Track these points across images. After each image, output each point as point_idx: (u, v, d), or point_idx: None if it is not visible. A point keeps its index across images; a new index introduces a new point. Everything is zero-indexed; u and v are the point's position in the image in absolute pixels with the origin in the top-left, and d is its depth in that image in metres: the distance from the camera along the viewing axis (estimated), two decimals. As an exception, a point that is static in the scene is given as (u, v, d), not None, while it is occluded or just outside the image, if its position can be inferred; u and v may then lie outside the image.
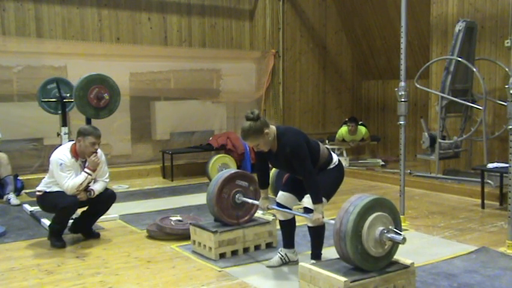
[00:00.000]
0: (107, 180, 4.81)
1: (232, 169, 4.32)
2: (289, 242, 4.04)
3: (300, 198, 3.89)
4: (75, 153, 4.56)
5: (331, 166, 3.84)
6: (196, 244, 4.34)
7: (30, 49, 7.53)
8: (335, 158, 3.90)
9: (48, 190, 4.58)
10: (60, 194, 4.50)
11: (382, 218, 3.11)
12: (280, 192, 3.96)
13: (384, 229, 3.09)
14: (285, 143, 3.63)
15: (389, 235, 3.08)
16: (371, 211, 3.09)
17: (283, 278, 3.80)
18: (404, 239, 3.09)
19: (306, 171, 3.61)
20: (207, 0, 9.08)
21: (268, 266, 4.00)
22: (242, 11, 9.48)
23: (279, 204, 3.93)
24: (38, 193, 4.67)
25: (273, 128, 3.69)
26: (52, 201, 4.51)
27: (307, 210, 3.73)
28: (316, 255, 3.80)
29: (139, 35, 8.50)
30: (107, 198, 4.76)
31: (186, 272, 3.91)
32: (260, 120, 3.59)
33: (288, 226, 4.01)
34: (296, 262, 3.98)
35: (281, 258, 4.02)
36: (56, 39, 7.79)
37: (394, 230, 3.11)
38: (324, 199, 3.69)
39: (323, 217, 3.62)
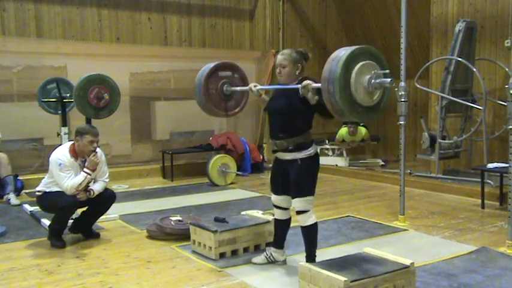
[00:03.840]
0: (107, 180, 4.81)
1: (211, 63, 4.23)
2: (279, 242, 4.04)
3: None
4: (74, 153, 4.56)
5: (310, 152, 3.73)
6: (196, 244, 4.34)
7: (30, 49, 7.54)
8: (315, 146, 3.80)
9: (47, 190, 4.58)
10: (60, 194, 4.50)
11: (368, 65, 3.10)
12: (274, 196, 3.95)
13: (371, 76, 3.07)
14: (310, 79, 3.59)
15: (377, 80, 3.06)
16: (356, 60, 3.07)
17: (283, 278, 3.79)
18: (392, 81, 3.10)
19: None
20: (207, 0, 9.08)
21: (252, 262, 4.03)
22: (242, 11, 9.48)
23: (276, 206, 3.93)
24: (37, 193, 4.67)
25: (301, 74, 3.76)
26: (52, 201, 4.51)
27: (299, 213, 3.74)
28: (310, 257, 3.76)
29: (139, 35, 8.50)
30: (106, 199, 4.76)
31: (186, 272, 3.91)
32: (303, 60, 3.75)
33: (281, 225, 4.00)
34: (283, 262, 4.01)
35: (266, 257, 4.04)
36: (56, 39, 7.80)
37: (381, 73, 3.08)
38: (311, 197, 3.72)
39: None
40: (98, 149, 4.64)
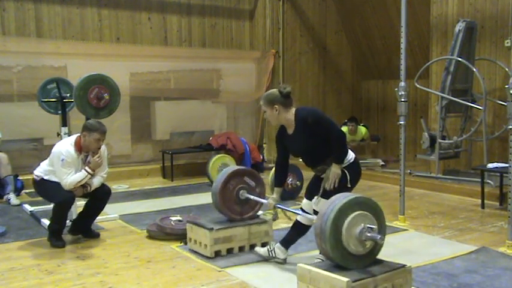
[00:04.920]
0: (105, 175, 4.80)
1: (245, 167, 4.44)
2: (288, 242, 4.06)
3: None
4: (78, 147, 4.54)
5: (350, 158, 3.79)
6: (193, 242, 4.35)
7: (30, 49, 7.54)
8: (351, 153, 3.85)
9: (46, 178, 4.56)
10: (57, 186, 4.49)
11: (363, 217, 3.10)
12: (305, 200, 3.99)
13: (363, 228, 3.08)
14: (304, 116, 3.72)
15: (369, 234, 3.07)
16: (351, 210, 3.08)
17: (283, 278, 3.80)
18: (382, 238, 3.08)
19: (336, 132, 3.71)
20: (207, 0, 9.08)
21: (255, 250, 4.12)
22: (242, 11, 9.48)
23: (302, 210, 3.96)
24: (35, 177, 4.64)
25: (289, 110, 3.78)
26: (48, 192, 4.53)
27: (316, 213, 3.77)
28: None
29: (139, 35, 8.50)
30: (102, 195, 4.75)
31: (186, 272, 3.91)
32: (280, 96, 3.76)
33: (299, 228, 4.01)
34: (282, 261, 4.02)
35: (268, 251, 4.06)
36: (56, 39, 7.80)
37: (371, 227, 3.09)
38: None
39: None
40: (102, 146, 4.65)
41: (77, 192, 4.56)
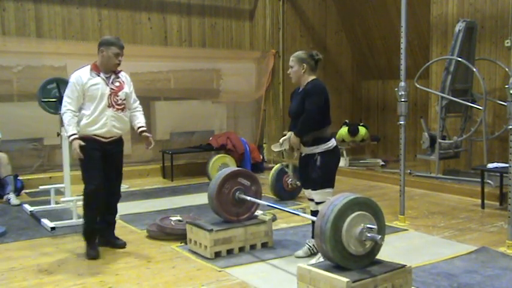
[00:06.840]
0: (141, 107, 4.66)
1: (237, 167, 4.47)
2: None
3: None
4: (96, 69, 4.39)
5: (328, 146, 3.99)
6: (193, 242, 4.35)
7: (30, 49, 7.53)
8: (333, 141, 4.05)
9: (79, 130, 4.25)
10: (87, 166, 4.23)
11: (362, 217, 3.10)
12: (304, 190, 4.25)
13: (363, 228, 3.08)
14: (311, 83, 4.05)
15: (369, 234, 3.07)
16: (351, 210, 3.08)
17: (283, 278, 3.80)
18: (381, 239, 3.08)
19: (309, 111, 3.93)
20: (207, 0, 9.08)
21: (296, 257, 4.15)
22: (242, 11, 9.48)
23: (308, 198, 4.19)
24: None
25: (312, 75, 4.11)
26: (81, 169, 4.29)
27: (318, 204, 3.95)
28: None
29: (139, 35, 8.50)
30: (111, 198, 4.51)
31: (186, 272, 3.92)
32: (309, 59, 4.09)
33: (315, 216, 4.08)
34: None
35: (309, 249, 4.16)
36: (56, 39, 7.80)
37: (371, 227, 3.09)
38: (329, 189, 4.00)
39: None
40: (122, 72, 4.49)
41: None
